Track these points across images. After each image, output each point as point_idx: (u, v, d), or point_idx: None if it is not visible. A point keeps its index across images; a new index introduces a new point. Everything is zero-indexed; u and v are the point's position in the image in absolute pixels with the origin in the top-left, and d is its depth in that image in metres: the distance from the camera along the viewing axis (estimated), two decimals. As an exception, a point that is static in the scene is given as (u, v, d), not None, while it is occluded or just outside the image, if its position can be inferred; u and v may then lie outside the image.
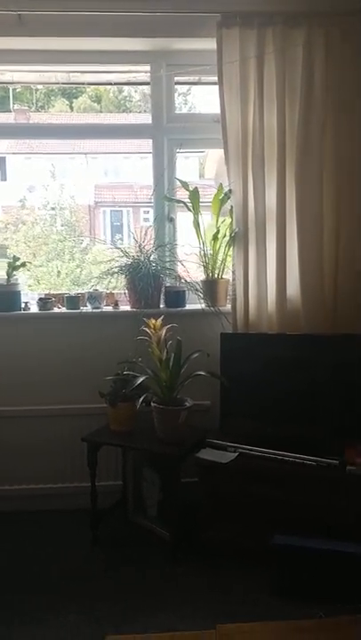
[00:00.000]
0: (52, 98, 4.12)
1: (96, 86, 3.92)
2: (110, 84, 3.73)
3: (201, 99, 3.82)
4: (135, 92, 4.01)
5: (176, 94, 3.57)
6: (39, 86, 3.84)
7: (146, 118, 3.58)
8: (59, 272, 4.00)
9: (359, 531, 2.64)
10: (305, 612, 2.45)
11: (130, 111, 4.14)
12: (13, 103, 3.81)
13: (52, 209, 4.26)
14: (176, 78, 3.50)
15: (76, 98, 4.16)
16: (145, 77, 3.52)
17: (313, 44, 3.08)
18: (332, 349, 3.05)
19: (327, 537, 2.62)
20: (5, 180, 4.72)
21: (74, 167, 4.54)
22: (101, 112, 4.16)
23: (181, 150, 3.50)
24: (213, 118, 3.31)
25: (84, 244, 4.09)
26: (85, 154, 4.49)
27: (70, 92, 4.07)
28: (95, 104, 4.20)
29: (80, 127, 3.72)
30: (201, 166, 4.19)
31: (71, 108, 4.17)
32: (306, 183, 3.16)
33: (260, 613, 2.49)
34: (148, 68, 3.44)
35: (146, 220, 3.70)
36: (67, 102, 4.16)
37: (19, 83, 3.64)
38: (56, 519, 3.34)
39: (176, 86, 3.55)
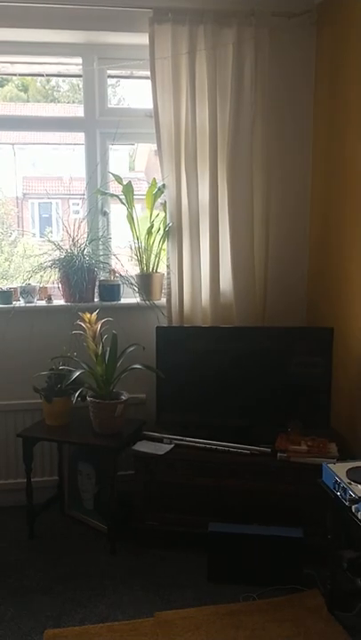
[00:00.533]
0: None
1: (29, 77, 3.86)
2: (42, 75, 3.68)
3: (132, 91, 3.83)
4: (63, 81, 3.96)
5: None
6: None
7: (75, 109, 3.54)
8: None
9: (291, 514, 2.75)
10: (239, 595, 2.56)
11: (58, 101, 4.09)
12: None
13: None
14: (108, 72, 3.49)
15: (2, 87, 4.06)
16: (77, 70, 3.49)
17: (242, 43, 3.15)
18: (262, 341, 3.14)
19: (261, 522, 2.72)
20: None
21: (0, 157, 4.44)
22: (29, 102, 4.09)
23: (114, 143, 3.50)
24: (146, 113, 3.33)
25: (13, 236, 4.02)
26: (13, 144, 4.39)
27: (-5, 81, 3.98)
28: (22, 93, 4.12)
29: (9, 119, 3.65)
30: (131, 159, 4.19)
31: (-4, 97, 4.08)
32: (237, 179, 3.23)
33: (198, 599, 2.56)
34: (79, 60, 3.42)
35: (76, 212, 3.67)
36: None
37: None
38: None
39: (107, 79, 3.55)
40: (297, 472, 2.77)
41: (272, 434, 2.94)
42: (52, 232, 4.07)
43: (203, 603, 2.53)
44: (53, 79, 3.99)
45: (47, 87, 4.10)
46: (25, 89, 4.07)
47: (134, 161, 4.14)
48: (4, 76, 3.70)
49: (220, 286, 3.31)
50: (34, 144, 4.29)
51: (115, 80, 3.77)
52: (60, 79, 3.93)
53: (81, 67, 3.42)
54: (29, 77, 3.88)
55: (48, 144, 4.25)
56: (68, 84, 3.92)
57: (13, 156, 4.38)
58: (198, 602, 2.54)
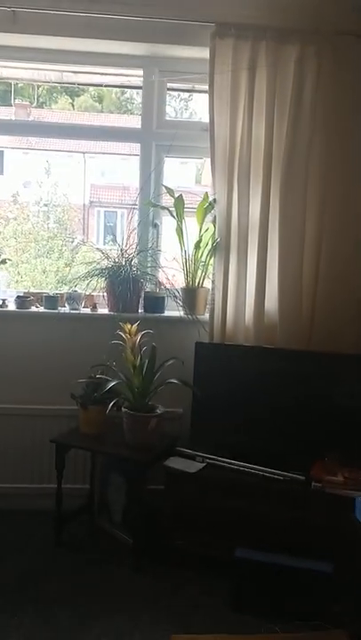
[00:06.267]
0: (55, 95, 4.12)
1: (99, 87, 3.92)
2: (102, 85, 3.73)
3: (201, 106, 3.82)
4: (137, 94, 4.00)
5: (178, 99, 3.57)
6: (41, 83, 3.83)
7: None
8: (44, 270, 3.98)
9: (320, 547, 2.63)
10: (261, 627, 2.46)
11: (131, 113, 4.13)
12: (14, 98, 3.79)
13: (45, 206, 4.25)
14: (169, 85, 3.50)
15: (78, 96, 4.15)
16: (138, 81, 3.52)
17: (304, 61, 3.09)
18: (305, 365, 3.06)
19: (289, 552, 2.61)
20: (2, 174, 4.71)
21: (71, 165, 4.52)
22: (102, 112, 4.16)
23: (169, 156, 3.50)
24: (202, 127, 3.31)
25: (75, 243, 4.07)
26: (83, 153, 4.47)
27: (73, 91, 4.06)
28: (97, 104, 4.20)
29: (70, 127, 3.71)
30: (198, 172, 4.19)
31: (73, 106, 4.16)
32: (290, 198, 3.16)
33: (217, 625, 2.48)
34: (140, 72, 3.44)
35: (139, 222, 3.70)
36: (70, 100, 4.15)
37: (9, 79, 3.62)
38: (19, 519, 3.30)
39: (176, 92, 3.56)
40: (331, 504, 2.67)
41: (307, 461, 2.84)
42: (113, 241, 4.10)
43: (222, 630, 2.44)
44: (128, 91, 4.04)
45: (121, 99, 4.16)
46: (100, 99, 4.14)
47: (201, 174, 4.13)
48: (80, 87, 3.77)
49: (266, 305, 3.23)
50: (102, 153, 4.34)
51: (187, 94, 3.79)
52: (135, 92, 3.97)
53: (142, 79, 3.44)
54: (105, 89, 3.94)
55: (118, 154, 4.30)
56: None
57: (83, 164, 4.47)
58: (218, 628, 2.45)
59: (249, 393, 3.08)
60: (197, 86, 3.54)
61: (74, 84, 3.69)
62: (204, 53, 3.15)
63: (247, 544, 2.67)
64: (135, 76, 3.51)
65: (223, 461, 2.93)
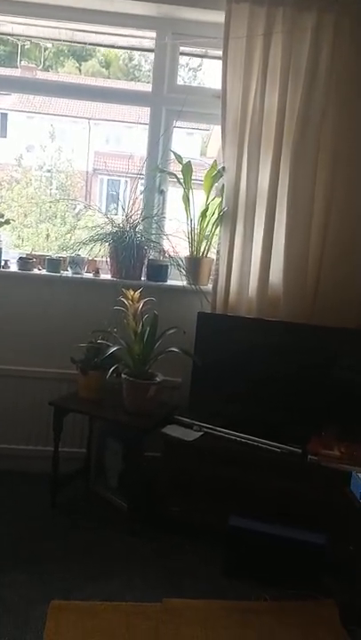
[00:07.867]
0: (62, 58, 4.03)
1: (106, 52, 3.84)
2: (114, 47, 3.65)
3: (211, 75, 3.75)
4: (145, 61, 3.92)
5: (186, 69, 3.50)
6: (49, 45, 3.74)
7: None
8: (47, 235, 3.95)
9: (313, 519, 2.65)
10: (251, 594, 2.50)
11: (138, 80, 4.06)
12: (21, 59, 3.71)
13: (48, 171, 4.20)
14: (182, 49, 3.42)
15: (86, 61, 4.07)
16: (150, 44, 3.44)
17: (321, 30, 3.01)
18: (307, 339, 3.05)
19: (283, 523, 2.63)
20: (5, 136, 4.64)
21: (75, 131, 4.45)
22: (109, 78, 4.08)
23: (178, 124, 3.42)
24: (214, 93, 3.24)
25: (77, 209, 4.03)
26: (88, 119, 4.39)
27: (80, 55, 3.98)
28: (104, 69, 4.12)
29: (78, 87, 3.65)
30: (204, 144, 4.13)
31: (80, 70, 4.09)
32: (300, 169, 3.11)
33: (209, 591, 2.52)
34: (153, 34, 3.36)
35: (142, 192, 3.65)
36: (76, 64, 4.07)
37: (19, 36, 3.54)
38: (16, 481, 3.33)
39: (187, 61, 3.48)
40: (326, 477, 2.68)
41: (304, 434, 2.85)
42: (116, 209, 4.05)
43: (214, 595, 2.48)
44: (136, 58, 3.96)
45: (129, 65, 4.07)
46: (107, 65, 4.06)
47: (207, 146, 4.07)
48: (88, 50, 3.69)
49: (270, 278, 3.20)
50: (108, 120, 4.26)
51: (197, 63, 3.72)
52: (143, 59, 3.89)
53: (154, 41, 3.36)
54: (112, 54, 3.87)
55: (122, 121, 4.22)
56: (150, 62, 3.88)
57: (88, 130, 4.39)
58: (210, 594, 2.49)
59: (249, 364, 3.07)
60: (210, 52, 3.46)
61: (86, 43, 3.60)
62: (218, 17, 3.08)
63: (242, 513, 2.69)
64: (147, 38, 3.43)
65: (221, 431, 2.94)
